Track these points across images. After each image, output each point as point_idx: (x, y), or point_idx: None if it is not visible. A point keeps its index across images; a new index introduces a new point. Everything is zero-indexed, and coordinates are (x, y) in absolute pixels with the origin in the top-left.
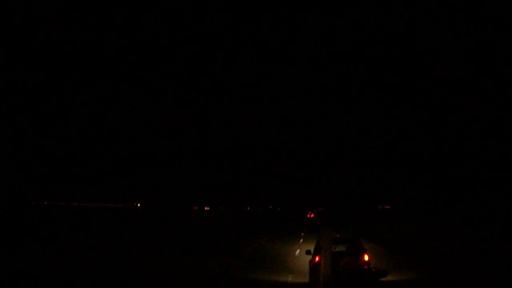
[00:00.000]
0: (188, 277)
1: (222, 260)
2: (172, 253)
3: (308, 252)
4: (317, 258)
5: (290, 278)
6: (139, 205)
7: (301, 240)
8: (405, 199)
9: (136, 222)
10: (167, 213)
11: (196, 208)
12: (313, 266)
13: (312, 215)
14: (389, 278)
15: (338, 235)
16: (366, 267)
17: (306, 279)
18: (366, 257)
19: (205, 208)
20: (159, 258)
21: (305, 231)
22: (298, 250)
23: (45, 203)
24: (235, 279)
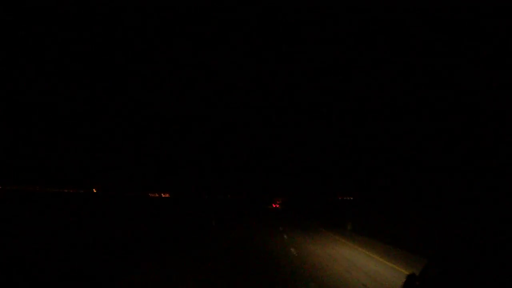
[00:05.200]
0: None
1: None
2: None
3: (410, 278)
4: None
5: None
6: (94, 190)
7: (281, 229)
8: (362, 190)
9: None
10: (127, 200)
11: (156, 195)
12: None
13: (278, 206)
14: None
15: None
16: None
17: None
18: None
19: (163, 195)
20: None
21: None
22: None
23: None
24: None
